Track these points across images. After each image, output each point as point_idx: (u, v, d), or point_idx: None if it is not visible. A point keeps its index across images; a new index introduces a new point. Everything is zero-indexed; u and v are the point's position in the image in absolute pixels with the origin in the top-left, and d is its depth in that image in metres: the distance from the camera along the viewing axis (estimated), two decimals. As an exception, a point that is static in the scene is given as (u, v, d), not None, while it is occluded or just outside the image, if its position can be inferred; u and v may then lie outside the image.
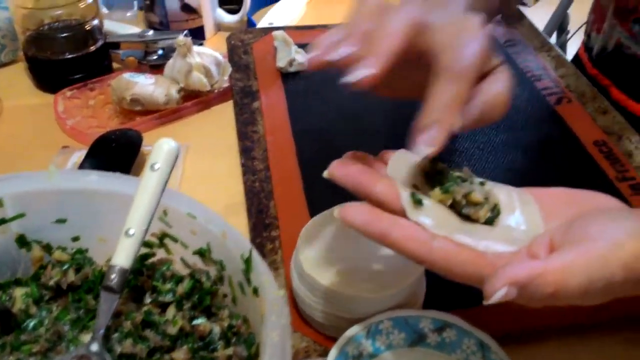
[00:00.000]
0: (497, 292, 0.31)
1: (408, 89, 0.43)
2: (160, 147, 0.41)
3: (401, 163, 0.41)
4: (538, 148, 0.68)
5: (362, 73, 0.36)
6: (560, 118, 0.71)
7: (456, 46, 0.38)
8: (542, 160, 0.66)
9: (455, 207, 0.38)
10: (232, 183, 0.65)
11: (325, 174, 0.39)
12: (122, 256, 0.39)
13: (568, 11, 1.70)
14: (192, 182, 0.66)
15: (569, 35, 1.68)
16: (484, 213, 0.37)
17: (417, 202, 0.37)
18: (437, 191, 0.38)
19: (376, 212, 0.35)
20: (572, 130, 0.69)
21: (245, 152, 0.67)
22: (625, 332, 0.50)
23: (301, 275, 0.48)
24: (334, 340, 0.45)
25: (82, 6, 0.76)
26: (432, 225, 0.36)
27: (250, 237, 0.57)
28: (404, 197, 0.37)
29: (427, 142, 0.36)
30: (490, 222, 0.38)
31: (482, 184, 0.40)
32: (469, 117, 0.39)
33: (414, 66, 0.40)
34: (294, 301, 0.50)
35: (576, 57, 0.84)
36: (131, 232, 0.40)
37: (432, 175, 0.40)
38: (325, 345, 0.48)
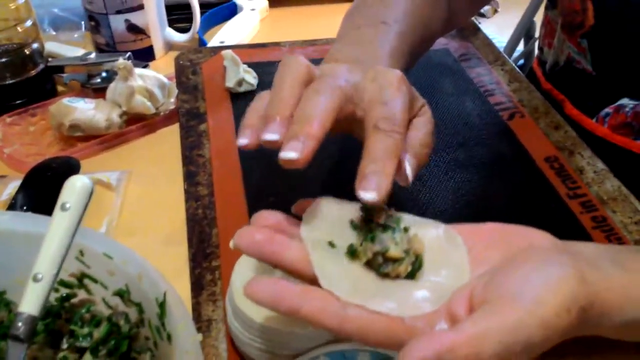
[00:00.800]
0: None
1: (342, 129, 0.46)
2: (72, 185, 0.39)
3: (320, 214, 0.40)
4: (490, 165, 0.66)
5: (291, 155, 0.38)
6: (512, 134, 0.70)
7: (382, 102, 0.41)
8: (494, 178, 0.65)
9: (373, 265, 0.36)
10: (176, 210, 0.62)
11: (231, 244, 0.37)
12: (30, 303, 0.37)
13: (534, 19, 1.70)
14: (134, 210, 0.64)
15: (534, 44, 1.69)
16: (404, 269, 0.36)
17: (330, 263, 0.35)
18: (350, 250, 0.37)
19: (283, 286, 0.33)
20: (524, 146, 0.68)
21: (189, 177, 0.65)
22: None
23: (234, 309, 0.46)
24: (270, 377, 0.43)
25: (20, 30, 0.74)
26: (345, 292, 0.34)
27: (190, 267, 0.55)
28: (315, 263, 0.35)
29: (370, 189, 0.36)
30: (412, 275, 0.36)
31: (405, 230, 0.38)
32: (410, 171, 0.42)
33: (344, 123, 0.43)
34: (230, 336, 0.48)
35: (531, 72, 0.84)
36: (39, 276, 0.37)
37: (355, 226, 0.38)
38: (261, 384, 0.46)
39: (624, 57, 0.66)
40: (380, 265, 0.36)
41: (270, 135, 0.38)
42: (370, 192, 0.36)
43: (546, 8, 0.81)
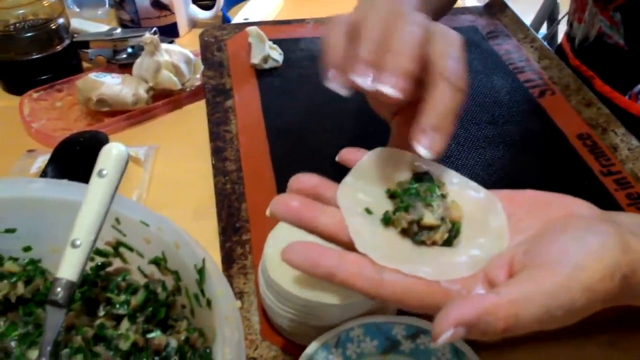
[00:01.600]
0: (444, 334, 0.28)
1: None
2: (108, 152, 0.39)
3: (363, 173, 0.39)
4: (520, 142, 0.65)
5: (387, 90, 0.35)
6: (543, 111, 0.69)
7: (451, 57, 0.37)
8: (524, 155, 0.64)
9: (408, 232, 0.36)
10: (203, 185, 0.62)
11: (267, 212, 0.37)
12: (68, 269, 0.37)
13: (558, 0, 1.67)
14: (162, 185, 0.64)
15: (559, 25, 1.66)
16: (440, 236, 0.35)
17: (366, 229, 0.35)
18: (385, 218, 0.36)
19: (320, 250, 0.33)
20: (556, 124, 0.67)
21: (217, 152, 0.64)
22: (609, 333, 0.48)
23: (268, 282, 0.45)
24: (303, 348, 0.43)
25: (46, 5, 0.73)
26: (381, 257, 0.33)
27: (220, 241, 0.55)
28: (351, 228, 0.34)
29: (427, 145, 0.35)
30: (448, 242, 0.35)
31: (443, 196, 0.37)
32: None
33: None
34: (262, 308, 0.48)
35: (559, 48, 0.82)
36: (77, 242, 0.37)
37: (392, 194, 0.38)
38: (294, 354, 0.45)
39: None
40: (416, 234, 0.36)
41: (362, 80, 0.36)
42: (426, 149, 0.35)
43: None
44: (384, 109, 0.44)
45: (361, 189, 0.38)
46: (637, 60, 0.67)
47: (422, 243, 0.36)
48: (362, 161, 0.40)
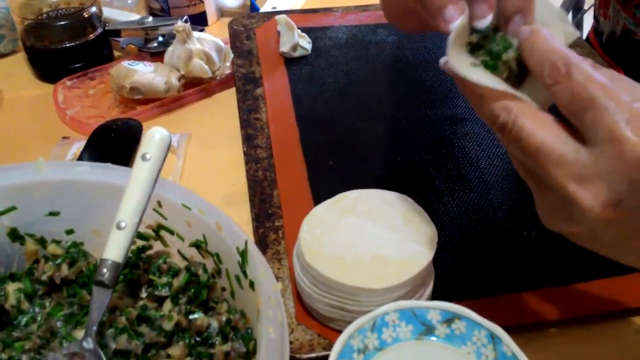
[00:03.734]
0: None
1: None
2: (151, 136, 0.40)
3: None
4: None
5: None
6: (574, 99, 0.69)
7: None
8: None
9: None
10: (235, 172, 0.63)
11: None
12: (114, 250, 0.38)
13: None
14: (194, 172, 0.64)
15: (584, 15, 1.64)
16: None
17: None
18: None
19: None
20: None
21: (248, 140, 0.65)
22: (636, 323, 0.48)
23: (303, 267, 0.46)
24: (338, 333, 0.43)
25: (79, -7, 0.74)
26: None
27: (253, 227, 0.55)
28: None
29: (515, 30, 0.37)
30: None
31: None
32: None
33: None
34: (297, 293, 0.49)
35: (587, 41, 0.81)
36: (122, 224, 0.38)
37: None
38: (329, 339, 0.46)
39: None
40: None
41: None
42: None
43: None
44: None
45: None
46: None
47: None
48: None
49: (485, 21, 0.39)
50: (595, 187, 0.31)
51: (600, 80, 0.32)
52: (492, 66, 0.38)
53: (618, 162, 0.31)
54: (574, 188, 0.32)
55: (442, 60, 0.40)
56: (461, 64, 0.38)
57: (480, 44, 0.39)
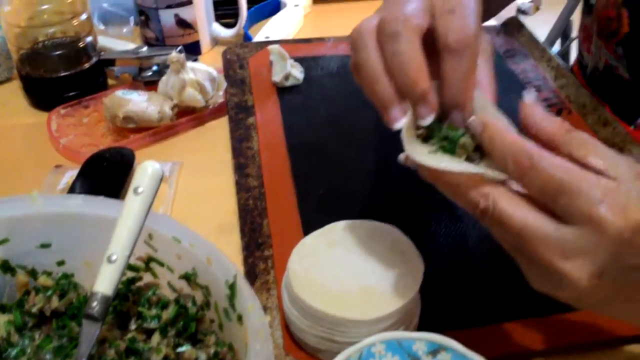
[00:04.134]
0: None
1: None
2: (144, 170, 0.40)
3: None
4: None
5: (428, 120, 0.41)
6: (560, 130, 0.70)
7: (449, 9, 0.39)
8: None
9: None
10: (226, 201, 0.64)
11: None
12: (104, 283, 0.38)
13: (571, 18, 1.68)
14: (185, 200, 0.65)
15: (571, 43, 1.67)
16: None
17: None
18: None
19: None
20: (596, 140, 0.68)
21: (240, 168, 0.66)
22: (625, 351, 0.49)
23: (292, 297, 0.47)
24: (326, 363, 0.44)
25: (75, 23, 0.76)
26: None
27: (243, 256, 0.56)
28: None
29: (458, 122, 0.40)
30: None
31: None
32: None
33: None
34: (286, 324, 0.49)
35: (571, 72, 0.83)
36: (113, 258, 0.39)
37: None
38: (317, 370, 0.47)
39: None
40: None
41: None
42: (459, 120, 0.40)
43: (583, 13, 0.80)
44: None
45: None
46: None
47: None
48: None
49: (428, 119, 0.41)
50: (581, 261, 0.34)
51: (565, 166, 0.34)
52: (450, 150, 0.40)
53: (599, 239, 0.33)
54: (560, 263, 0.34)
55: (401, 157, 0.42)
56: (421, 154, 0.40)
57: (430, 135, 0.42)
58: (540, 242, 0.35)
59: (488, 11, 0.70)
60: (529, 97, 0.40)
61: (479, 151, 0.40)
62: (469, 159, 0.40)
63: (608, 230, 0.33)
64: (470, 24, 0.39)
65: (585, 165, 0.35)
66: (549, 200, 0.35)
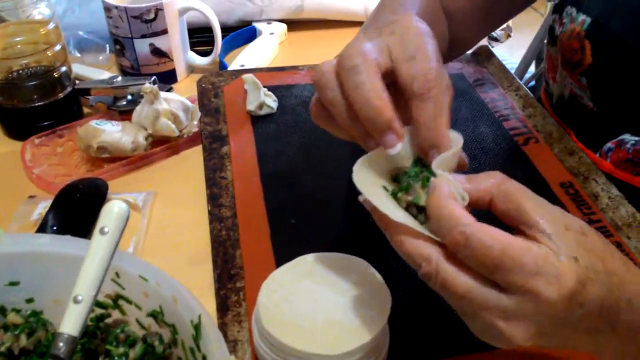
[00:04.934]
0: None
1: None
2: (110, 210, 0.41)
3: (369, 168, 0.44)
4: (506, 190, 0.68)
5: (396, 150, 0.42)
6: (527, 159, 0.72)
7: (409, 56, 0.41)
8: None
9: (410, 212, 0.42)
10: (199, 231, 0.64)
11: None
12: (70, 324, 0.39)
13: (545, 41, 1.72)
14: (159, 230, 0.65)
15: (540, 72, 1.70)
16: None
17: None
18: (393, 194, 0.43)
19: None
20: (539, 171, 0.70)
21: (213, 199, 0.66)
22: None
23: (261, 331, 0.47)
24: (296, 398, 0.44)
25: (50, 54, 0.76)
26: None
27: (215, 288, 0.57)
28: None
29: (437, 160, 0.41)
30: None
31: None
32: None
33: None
34: (256, 357, 0.49)
35: (539, 101, 0.85)
36: (79, 298, 0.39)
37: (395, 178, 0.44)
38: (286, 404, 0.47)
39: (624, 94, 0.68)
40: (416, 216, 0.41)
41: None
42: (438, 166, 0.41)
43: (547, 43, 0.82)
44: None
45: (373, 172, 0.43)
46: (604, 121, 0.71)
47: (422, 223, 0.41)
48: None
49: (397, 147, 0.41)
50: (521, 324, 0.36)
51: (499, 240, 0.35)
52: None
53: (535, 307, 0.35)
54: (502, 325, 0.36)
55: (360, 198, 0.43)
56: (372, 194, 0.41)
57: (398, 177, 0.43)
58: (482, 307, 0.36)
59: (455, 50, 0.73)
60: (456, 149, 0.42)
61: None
62: (419, 215, 0.41)
63: (544, 301, 0.35)
64: (432, 67, 0.40)
65: (520, 217, 0.37)
66: (485, 273, 0.36)
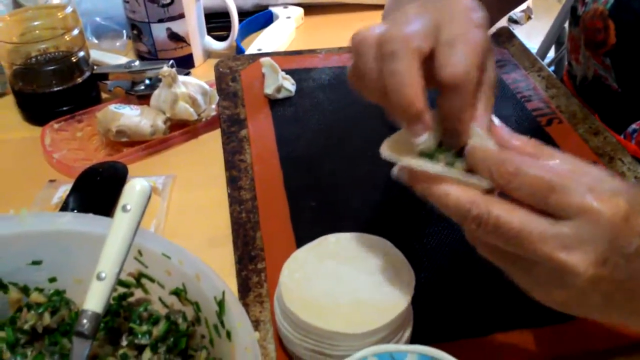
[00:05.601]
0: None
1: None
2: (132, 187, 0.41)
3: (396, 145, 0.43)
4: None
5: (423, 139, 0.41)
6: (551, 139, 0.70)
7: (450, 44, 0.39)
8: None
9: None
10: (219, 214, 0.64)
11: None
12: (94, 301, 0.38)
13: (565, 25, 1.69)
14: (178, 213, 0.65)
15: (565, 51, 1.68)
16: None
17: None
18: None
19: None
20: (563, 152, 0.68)
21: (232, 182, 0.66)
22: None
23: (283, 311, 0.47)
24: (318, 377, 0.44)
25: (68, 38, 0.76)
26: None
27: (236, 269, 0.56)
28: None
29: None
30: None
31: None
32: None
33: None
34: (278, 336, 0.49)
35: (561, 81, 0.84)
36: (103, 275, 0.39)
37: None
38: (309, 383, 0.47)
39: None
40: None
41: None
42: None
43: (570, 24, 0.81)
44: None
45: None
46: (629, 102, 0.69)
47: None
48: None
49: (423, 137, 0.41)
50: (582, 251, 0.35)
51: (548, 167, 0.36)
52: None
53: (595, 227, 0.35)
54: (563, 256, 0.35)
55: (394, 170, 0.43)
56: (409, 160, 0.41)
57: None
58: (539, 240, 0.35)
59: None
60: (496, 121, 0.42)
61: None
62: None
63: (603, 218, 0.34)
64: (466, 61, 0.39)
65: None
66: (539, 201, 0.36)
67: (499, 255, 0.39)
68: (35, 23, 0.76)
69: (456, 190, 0.38)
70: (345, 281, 0.47)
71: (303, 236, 0.57)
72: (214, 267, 0.46)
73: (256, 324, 0.51)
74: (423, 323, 0.50)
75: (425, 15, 0.40)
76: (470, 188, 0.39)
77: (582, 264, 0.35)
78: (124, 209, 0.40)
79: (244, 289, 0.54)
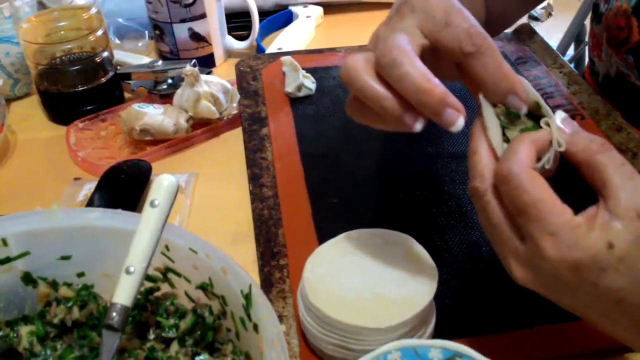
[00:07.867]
0: None
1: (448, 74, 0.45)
2: (159, 183, 0.41)
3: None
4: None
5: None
6: (573, 136, 0.70)
7: (446, 23, 0.40)
8: (554, 180, 0.65)
9: None
10: (241, 211, 0.64)
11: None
12: (123, 294, 0.39)
13: (585, 22, 1.68)
14: (201, 211, 0.66)
15: (585, 47, 1.66)
16: None
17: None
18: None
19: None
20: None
21: (254, 179, 0.67)
22: None
23: (307, 307, 0.47)
24: (342, 372, 0.44)
25: (92, 39, 0.77)
26: None
27: (259, 265, 0.57)
28: None
29: (517, 105, 0.42)
30: None
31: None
32: None
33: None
34: (302, 332, 0.50)
35: (583, 77, 0.83)
36: (131, 269, 0.39)
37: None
38: (333, 378, 0.47)
39: None
40: None
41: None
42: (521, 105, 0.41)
43: (592, 21, 0.80)
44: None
45: None
46: None
47: None
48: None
49: (459, 123, 0.41)
50: (527, 269, 0.39)
51: (533, 193, 0.37)
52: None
53: (541, 262, 0.37)
54: (512, 262, 0.40)
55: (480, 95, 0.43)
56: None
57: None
58: (503, 242, 0.40)
59: (494, 28, 0.72)
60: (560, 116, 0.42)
61: None
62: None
63: (547, 260, 0.37)
64: (471, 24, 0.40)
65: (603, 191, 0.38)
66: (514, 215, 0.38)
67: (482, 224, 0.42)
68: (60, 24, 0.77)
69: (483, 154, 0.40)
70: (369, 276, 0.48)
71: (325, 232, 0.58)
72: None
73: (279, 319, 0.51)
74: (445, 318, 0.50)
75: (401, 22, 0.41)
76: (494, 161, 0.40)
77: (522, 278, 0.39)
78: (152, 204, 0.41)
79: (267, 284, 0.55)
